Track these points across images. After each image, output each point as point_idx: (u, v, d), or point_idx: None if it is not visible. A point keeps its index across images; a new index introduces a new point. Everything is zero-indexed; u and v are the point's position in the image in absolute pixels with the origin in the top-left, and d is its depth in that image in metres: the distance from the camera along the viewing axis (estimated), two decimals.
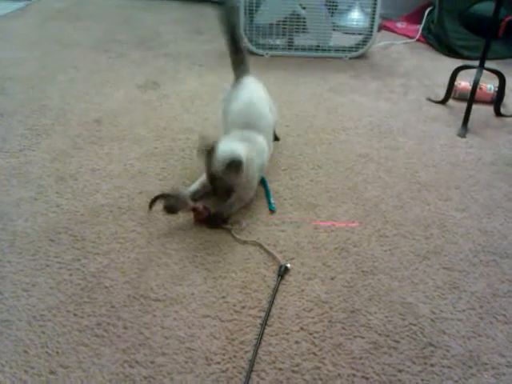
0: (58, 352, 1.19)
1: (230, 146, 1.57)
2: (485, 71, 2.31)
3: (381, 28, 3.42)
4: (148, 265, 1.45)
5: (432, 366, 1.18)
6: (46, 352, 1.19)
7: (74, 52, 3.10)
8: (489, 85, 2.54)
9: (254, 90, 1.82)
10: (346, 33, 3.38)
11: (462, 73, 2.45)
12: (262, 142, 1.70)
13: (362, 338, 1.25)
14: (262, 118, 1.75)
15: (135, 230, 1.58)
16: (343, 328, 1.27)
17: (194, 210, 1.59)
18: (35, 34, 3.41)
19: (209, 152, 1.55)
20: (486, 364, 1.19)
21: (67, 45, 3.22)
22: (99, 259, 1.46)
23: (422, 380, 1.15)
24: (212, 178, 1.57)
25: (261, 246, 1.53)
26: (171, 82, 2.70)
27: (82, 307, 1.31)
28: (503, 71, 2.39)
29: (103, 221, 1.62)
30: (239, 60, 1.87)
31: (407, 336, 1.25)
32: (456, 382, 1.15)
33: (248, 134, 1.67)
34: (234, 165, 1.51)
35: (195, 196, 1.68)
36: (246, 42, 3.08)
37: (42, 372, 1.14)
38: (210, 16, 4.00)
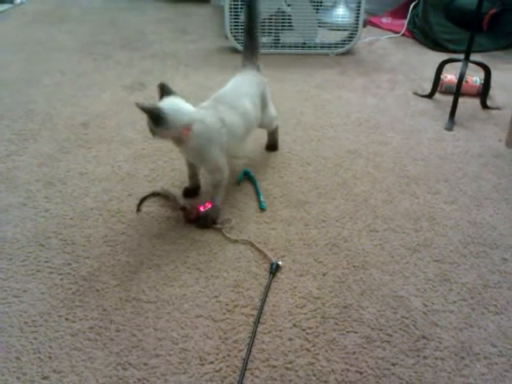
0: (50, 357, 1.18)
1: (172, 101, 1.52)
2: (470, 64, 2.33)
3: (366, 24, 3.44)
4: (139, 267, 1.45)
5: (425, 358, 1.19)
6: (39, 358, 1.18)
7: (59, 55, 3.08)
8: (474, 77, 2.55)
9: (244, 81, 1.78)
10: (332, 29, 3.39)
11: (447, 66, 2.47)
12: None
13: (355, 332, 1.25)
14: (232, 99, 1.67)
15: (125, 233, 1.58)
16: (336, 323, 1.27)
17: (184, 209, 1.59)
18: (20, 37, 3.39)
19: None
20: (479, 354, 1.20)
21: (52, 48, 3.19)
22: (90, 263, 1.46)
23: (416, 372, 1.15)
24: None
25: (252, 245, 1.53)
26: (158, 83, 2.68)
27: (74, 311, 1.30)
28: (488, 64, 2.41)
29: (93, 224, 1.61)
30: (251, 48, 1.84)
31: (400, 329, 1.26)
32: (449, 373, 1.15)
33: (213, 105, 1.61)
34: (154, 113, 1.45)
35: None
36: (232, 40, 3.09)
37: (34, 378, 1.13)
38: (195, 15, 4.00)
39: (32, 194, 1.75)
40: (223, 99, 1.65)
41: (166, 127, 1.46)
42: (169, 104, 1.50)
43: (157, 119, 1.45)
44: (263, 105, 1.81)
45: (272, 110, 1.90)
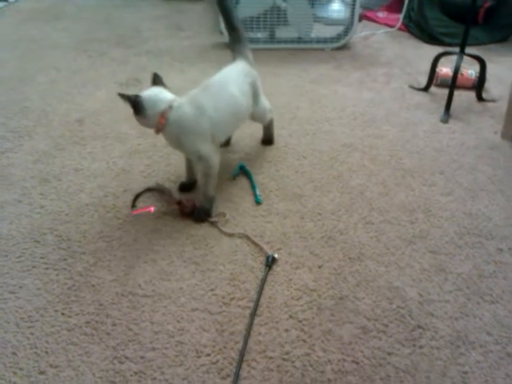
0: (47, 352, 1.18)
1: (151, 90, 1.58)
2: (466, 57, 2.33)
3: (361, 18, 3.43)
4: (135, 262, 1.45)
5: (421, 347, 1.19)
6: (35, 353, 1.18)
7: (54, 52, 3.07)
8: (470, 70, 2.55)
9: (231, 69, 1.79)
10: (327, 24, 3.38)
11: (443, 59, 2.46)
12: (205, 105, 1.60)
13: (351, 323, 1.25)
14: (218, 87, 1.68)
15: (121, 228, 1.58)
16: (332, 314, 1.28)
17: (179, 203, 1.59)
18: (14, 35, 3.37)
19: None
20: (474, 343, 1.20)
21: (47, 45, 3.18)
22: (85, 258, 1.46)
23: (412, 362, 1.16)
24: None
25: (248, 238, 1.53)
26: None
27: (70, 306, 1.30)
28: (484, 57, 2.41)
29: (88, 220, 1.61)
30: (236, 40, 1.84)
31: (395, 319, 1.26)
32: (445, 362, 1.16)
33: (195, 93, 1.63)
34: (133, 102, 1.52)
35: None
36: (227, 36, 3.08)
37: (31, 373, 1.14)
38: (190, 12, 3.99)
39: (27, 190, 1.75)
40: (209, 88, 1.66)
41: (144, 115, 1.53)
42: (148, 93, 1.56)
43: (135, 107, 1.52)
44: (254, 95, 1.80)
45: (264, 102, 1.89)
